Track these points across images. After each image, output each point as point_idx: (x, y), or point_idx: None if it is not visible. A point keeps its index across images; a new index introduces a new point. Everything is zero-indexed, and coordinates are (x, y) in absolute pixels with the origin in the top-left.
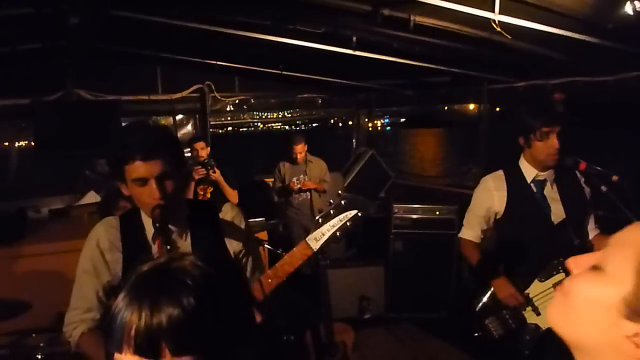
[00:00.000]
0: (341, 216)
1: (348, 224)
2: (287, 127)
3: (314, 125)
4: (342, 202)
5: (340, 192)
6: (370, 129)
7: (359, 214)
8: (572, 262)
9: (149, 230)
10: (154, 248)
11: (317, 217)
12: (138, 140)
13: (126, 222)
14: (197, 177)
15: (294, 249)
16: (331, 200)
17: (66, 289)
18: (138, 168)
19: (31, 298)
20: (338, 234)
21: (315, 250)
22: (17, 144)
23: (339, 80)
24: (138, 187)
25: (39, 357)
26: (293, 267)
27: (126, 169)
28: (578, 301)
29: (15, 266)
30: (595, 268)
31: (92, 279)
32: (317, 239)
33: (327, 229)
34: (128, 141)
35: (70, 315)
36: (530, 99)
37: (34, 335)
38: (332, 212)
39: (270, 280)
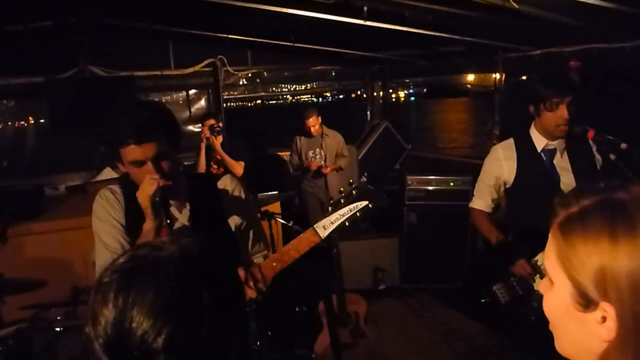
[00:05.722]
0: (351, 206)
1: (358, 214)
2: (305, 100)
3: (329, 98)
4: (354, 192)
5: (351, 180)
6: (392, 99)
7: (370, 206)
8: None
9: None
10: None
11: (327, 205)
12: (130, 123)
13: (128, 194)
14: (202, 136)
15: (302, 234)
16: (342, 189)
17: (83, 264)
18: (133, 151)
19: (49, 273)
20: (347, 223)
21: (322, 238)
22: (32, 122)
23: (352, 52)
24: (135, 168)
25: (58, 329)
26: (299, 254)
27: (122, 152)
28: (558, 322)
29: (33, 242)
30: (550, 283)
31: (110, 229)
32: (326, 227)
33: (336, 218)
34: (120, 125)
35: None
36: (545, 68)
37: (52, 309)
38: (342, 201)
39: (275, 264)
